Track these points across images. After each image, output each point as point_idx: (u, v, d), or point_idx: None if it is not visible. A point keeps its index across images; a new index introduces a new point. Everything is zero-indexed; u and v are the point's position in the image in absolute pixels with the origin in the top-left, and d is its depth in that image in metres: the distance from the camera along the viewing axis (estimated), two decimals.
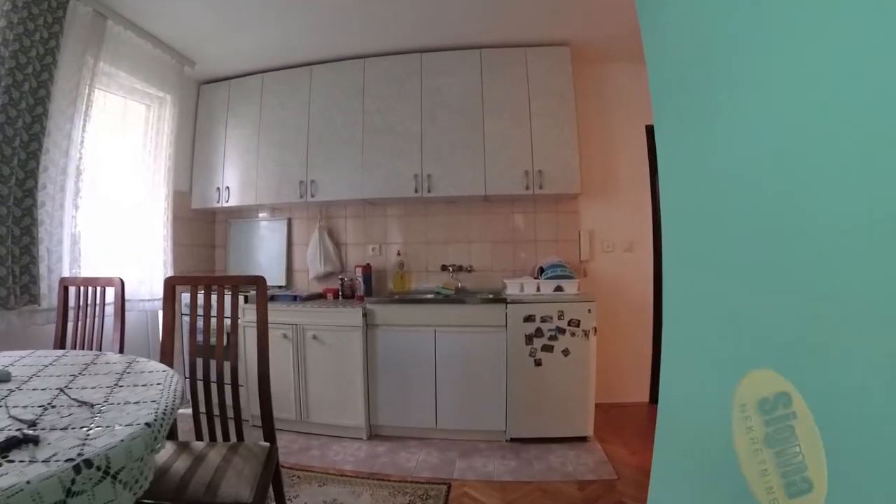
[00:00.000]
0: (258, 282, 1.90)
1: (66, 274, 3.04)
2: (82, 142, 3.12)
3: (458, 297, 3.50)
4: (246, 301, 3.56)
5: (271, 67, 4.06)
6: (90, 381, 1.46)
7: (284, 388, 3.38)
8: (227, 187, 4.13)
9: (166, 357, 2.00)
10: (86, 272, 3.19)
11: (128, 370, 1.59)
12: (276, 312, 3.36)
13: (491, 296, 3.39)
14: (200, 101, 4.41)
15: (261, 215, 4.41)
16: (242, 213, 4.50)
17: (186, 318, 3.90)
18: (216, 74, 4.29)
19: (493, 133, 3.54)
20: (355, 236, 4.11)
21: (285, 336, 3.37)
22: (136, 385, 1.40)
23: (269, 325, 3.26)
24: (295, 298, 3.70)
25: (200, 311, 2.04)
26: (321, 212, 4.15)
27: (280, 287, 4.23)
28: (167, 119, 3.85)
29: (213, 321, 2.04)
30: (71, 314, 2.52)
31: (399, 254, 3.93)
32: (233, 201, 4.11)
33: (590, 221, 3.88)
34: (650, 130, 3.87)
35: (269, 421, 1.89)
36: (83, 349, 2.34)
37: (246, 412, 3.55)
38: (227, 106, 4.20)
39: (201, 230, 4.50)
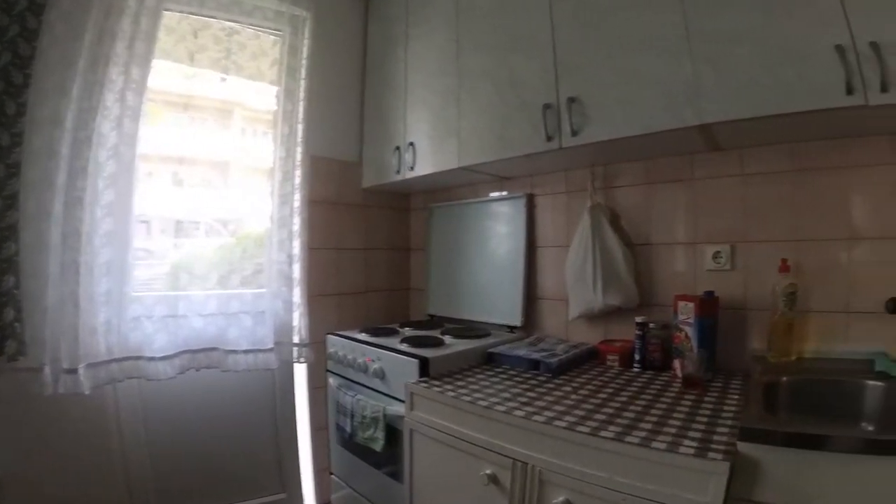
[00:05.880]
0: None
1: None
2: (118, 88, 2.14)
3: None
4: (424, 375, 2.00)
5: None
6: None
7: None
8: (411, 144, 2.61)
9: None
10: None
11: None
12: (473, 419, 1.68)
13: None
14: (371, 20, 3.08)
15: (491, 194, 2.79)
16: (450, 192, 2.99)
17: None
18: None
19: None
20: (673, 226, 2.17)
21: (492, 480, 1.59)
22: None
23: (459, 443, 1.76)
24: (537, 365, 2.01)
25: None
26: (592, 173, 2.30)
27: (511, 330, 2.52)
28: (304, 50, 2.72)
29: None
30: None
31: (785, 267, 1.84)
32: (420, 168, 2.58)
33: None
34: None
35: None
36: None
37: None
38: (407, 13, 2.76)
39: (384, 224, 3.20)
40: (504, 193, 2.71)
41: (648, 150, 2.08)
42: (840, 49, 1.40)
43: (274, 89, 2.65)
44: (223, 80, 2.53)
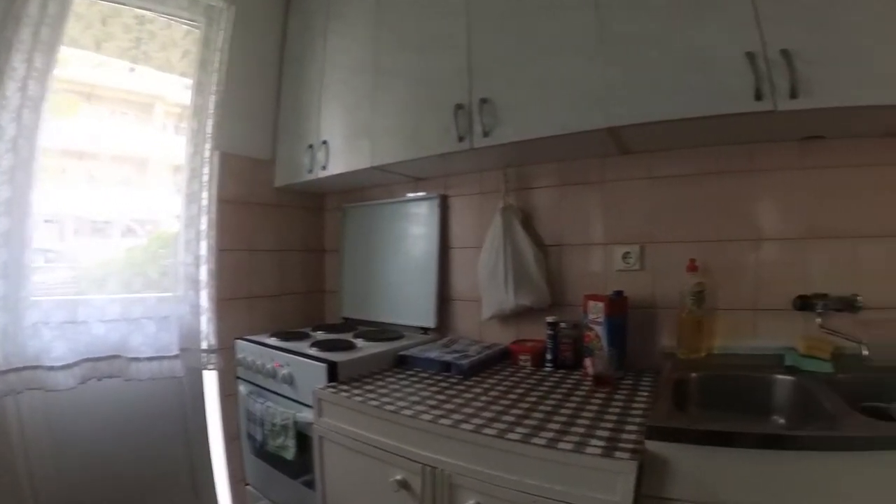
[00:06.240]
0: None
1: None
2: (20, 76, 1.94)
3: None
4: (333, 379, 1.92)
5: None
6: None
7: None
8: (324, 142, 2.52)
9: None
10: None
11: None
12: (381, 424, 1.61)
13: None
14: (291, 12, 2.94)
15: (406, 195, 2.73)
16: (365, 192, 2.92)
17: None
18: None
19: None
20: (584, 227, 2.17)
21: (402, 486, 1.54)
22: None
23: (369, 449, 1.68)
24: (448, 367, 1.97)
25: None
26: (505, 174, 2.27)
27: (424, 331, 2.49)
28: (219, 41, 2.56)
29: None
30: None
31: (693, 267, 1.86)
32: (333, 167, 2.49)
33: None
34: None
35: None
36: None
37: None
38: (328, 6, 2.65)
39: (299, 225, 3.08)
40: (419, 194, 2.65)
41: (560, 152, 2.09)
42: (750, 56, 1.44)
43: (188, 82, 2.50)
44: (132, 70, 2.36)
